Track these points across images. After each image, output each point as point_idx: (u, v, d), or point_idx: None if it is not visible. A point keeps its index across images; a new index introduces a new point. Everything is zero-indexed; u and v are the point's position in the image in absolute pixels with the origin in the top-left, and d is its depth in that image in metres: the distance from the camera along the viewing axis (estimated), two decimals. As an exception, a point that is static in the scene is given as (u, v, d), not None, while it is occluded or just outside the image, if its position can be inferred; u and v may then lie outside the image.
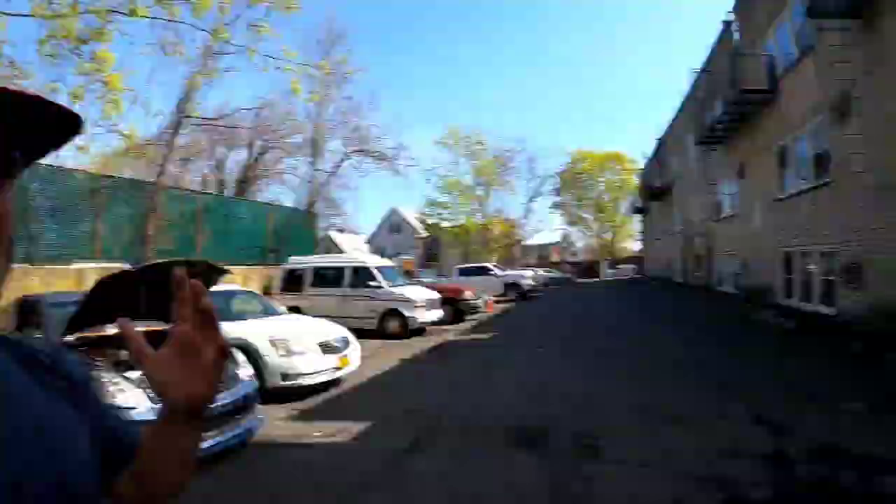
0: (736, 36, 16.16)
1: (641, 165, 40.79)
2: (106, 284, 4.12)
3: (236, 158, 27.74)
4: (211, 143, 25.49)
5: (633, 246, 52.91)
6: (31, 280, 8.41)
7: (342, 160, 26.18)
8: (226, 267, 5.08)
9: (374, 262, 13.45)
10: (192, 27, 6.97)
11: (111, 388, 4.06)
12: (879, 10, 8.51)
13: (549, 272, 36.07)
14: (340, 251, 31.83)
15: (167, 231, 12.24)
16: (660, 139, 31.88)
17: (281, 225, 16.66)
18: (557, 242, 58.85)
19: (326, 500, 4.00)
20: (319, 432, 5.53)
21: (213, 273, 4.76)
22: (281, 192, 43.97)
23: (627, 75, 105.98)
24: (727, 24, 16.95)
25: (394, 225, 52.87)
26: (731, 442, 4.74)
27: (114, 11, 5.61)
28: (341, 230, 38.88)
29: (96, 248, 10.59)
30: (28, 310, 5.74)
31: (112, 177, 12.17)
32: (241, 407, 4.93)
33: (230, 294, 8.43)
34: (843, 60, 9.62)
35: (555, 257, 57.73)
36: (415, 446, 5.02)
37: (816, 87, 10.91)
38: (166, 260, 5.20)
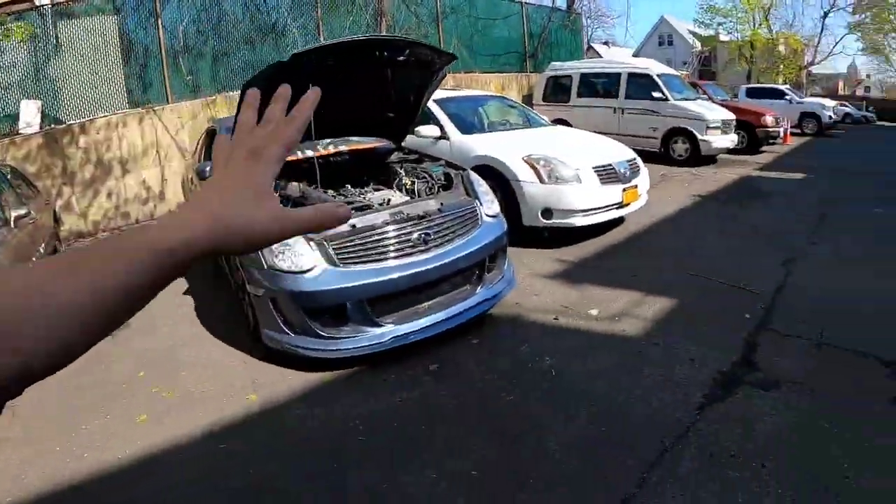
0: None
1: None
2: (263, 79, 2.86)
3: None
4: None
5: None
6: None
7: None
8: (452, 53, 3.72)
9: (656, 69, 10.27)
10: None
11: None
12: None
13: (845, 106, 26.36)
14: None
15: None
16: None
17: (539, 28, 13.95)
18: (843, 75, 43.95)
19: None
20: (597, 309, 3.59)
21: (429, 57, 3.52)
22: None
23: None
24: None
25: (662, 37, 44.66)
26: None
27: None
28: (606, 43, 33.75)
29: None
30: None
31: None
32: (479, 264, 3.30)
33: (477, 101, 6.63)
34: None
35: (841, 91, 43.14)
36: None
37: None
38: (348, 39, 3.31)
